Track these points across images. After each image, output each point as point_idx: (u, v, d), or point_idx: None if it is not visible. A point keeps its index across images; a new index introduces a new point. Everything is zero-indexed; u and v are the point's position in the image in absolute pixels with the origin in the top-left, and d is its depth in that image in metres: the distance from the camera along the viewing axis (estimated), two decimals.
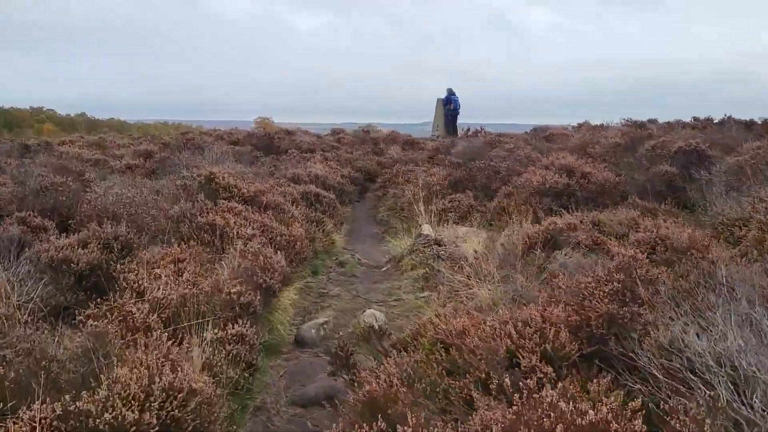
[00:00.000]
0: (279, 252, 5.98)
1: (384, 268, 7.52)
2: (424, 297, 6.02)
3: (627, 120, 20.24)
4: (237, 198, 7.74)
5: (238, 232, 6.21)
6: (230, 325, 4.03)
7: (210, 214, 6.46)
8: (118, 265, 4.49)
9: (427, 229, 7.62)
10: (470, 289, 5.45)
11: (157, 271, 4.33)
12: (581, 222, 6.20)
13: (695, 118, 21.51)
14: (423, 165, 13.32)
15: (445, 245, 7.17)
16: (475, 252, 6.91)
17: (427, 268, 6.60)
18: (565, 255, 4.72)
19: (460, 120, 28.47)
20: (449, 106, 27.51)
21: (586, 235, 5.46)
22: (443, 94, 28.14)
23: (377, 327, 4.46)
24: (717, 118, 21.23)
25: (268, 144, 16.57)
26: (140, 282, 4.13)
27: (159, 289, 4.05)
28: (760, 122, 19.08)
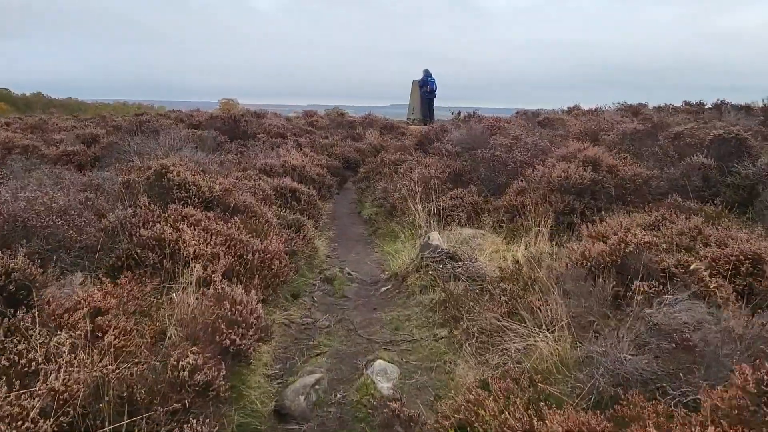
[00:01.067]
0: (253, 282, 4.43)
1: (383, 288, 6.01)
2: (444, 336, 4.54)
3: (622, 104, 19.08)
4: (196, 199, 6.11)
5: (195, 251, 4.62)
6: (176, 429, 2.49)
7: (158, 224, 4.84)
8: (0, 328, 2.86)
9: (435, 238, 6.13)
10: (509, 331, 4.00)
11: (61, 336, 2.73)
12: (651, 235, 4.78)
13: (687, 102, 20.50)
14: (412, 153, 11.81)
15: (461, 260, 5.70)
16: (502, 270, 5.47)
17: (442, 293, 5.12)
18: (670, 304, 3.29)
19: (436, 103, 27.10)
20: (425, 88, 26.09)
21: (673, 261, 4.05)
22: (419, 76, 26.66)
23: (401, 410, 2.98)
24: (709, 102, 20.30)
25: (233, 128, 14.81)
26: (29, 361, 2.54)
27: (57, 372, 2.47)
28: (760, 106, 18.15)
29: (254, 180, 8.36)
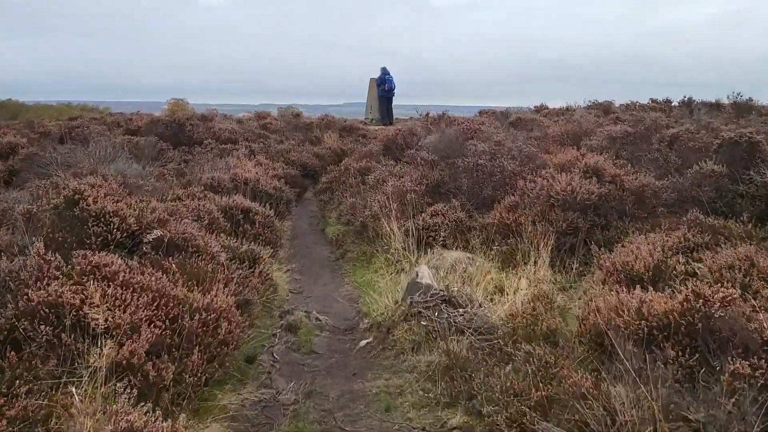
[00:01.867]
0: (191, 358, 3.15)
1: (363, 341, 4.78)
2: (457, 428, 3.37)
3: (593, 101, 18.37)
4: (119, 234, 4.77)
5: (108, 320, 3.31)
6: None
7: (56, 282, 3.51)
8: None
9: (425, 275, 4.94)
10: None
11: None
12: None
13: (653, 100, 19.98)
14: (380, 159, 10.61)
15: (461, 305, 4.54)
16: (513, 319, 4.34)
17: (443, 355, 3.94)
18: None
19: (393, 101, 26.03)
20: (383, 87, 25.00)
21: None
22: (376, 74, 25.56)
23: None
24: (676, 99, 19.82)
25: (177, 133, 13.29)
26: None
27: None
28: (727, 103, 17.72)
29: (198, 199, 7.01)
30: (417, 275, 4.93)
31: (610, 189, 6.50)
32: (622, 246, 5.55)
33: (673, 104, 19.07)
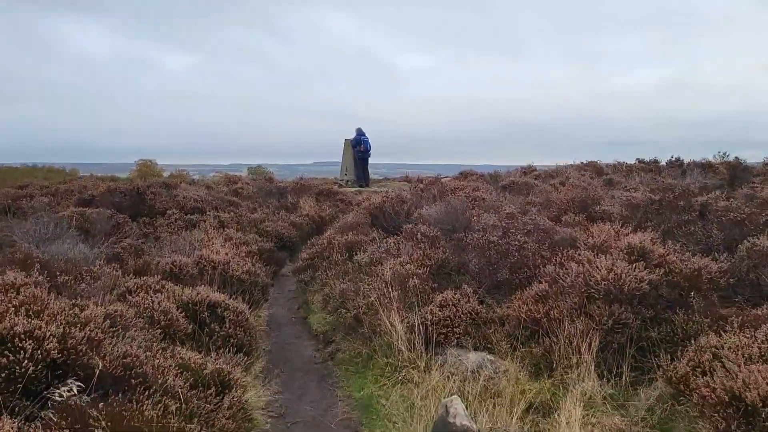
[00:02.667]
0: None
1: None
2: None
3: (586, 162, 17.65)
4: (34, 363, 3.38)
5: None
6: None
7: None
8: None
9: (459, 410, 3.62)
10: None
11: None
12: None
13: (640, 160, 19.43)
14: (368, 232, 9.37)
15: None
16: None
17: None
18: None
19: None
20: (359, 148, 24.22)
21: None
22: (350, 135, 24.83)
23: None
24: (663, 160, 19.29)
25: (137, 203, 11.90)
26: None
27: None
28: (717, 163, 17.18)
29: (155, 293, 5.62)
30: (447, 411, 3.62)
31: (659, 275, 5.35)
32: (695, 353, 4.36)
33: (660, 164, 18.52)
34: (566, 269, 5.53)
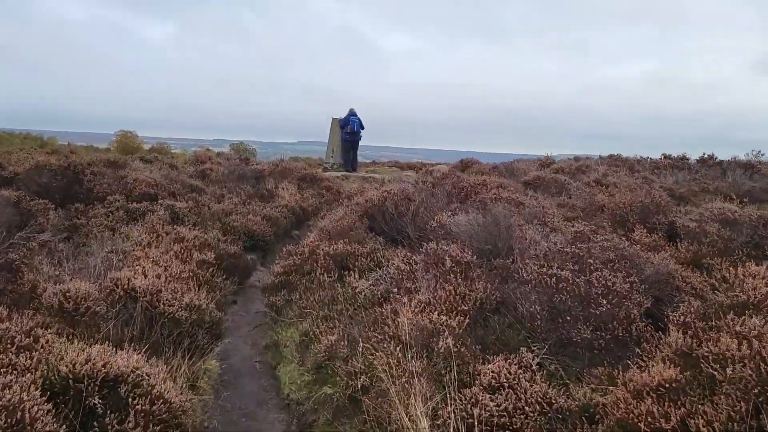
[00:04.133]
0: None
1: None
2: None
3: (612, 156, 15.45)
4: None
5: None
6: None
7: None
8: None
9: None
10: None
11: None
12: None
13: (666, 156, 17.29)
14: (365, 239, 7.02)
15: None
16: None
17: None
18: None
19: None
20: (346, 129, 21.79)
21: None
22: (338, 114, 22.41)
23: None
24: (693, 157, 17.17)
25: (72, 183, 9.43)
26: None
27: None
28: (756, 162, 15.09)
29: (18, 353, 3.27)
30: None
31: None
32: None
33: (689, 161, 16.40)
34: (709, 341, 3.27)
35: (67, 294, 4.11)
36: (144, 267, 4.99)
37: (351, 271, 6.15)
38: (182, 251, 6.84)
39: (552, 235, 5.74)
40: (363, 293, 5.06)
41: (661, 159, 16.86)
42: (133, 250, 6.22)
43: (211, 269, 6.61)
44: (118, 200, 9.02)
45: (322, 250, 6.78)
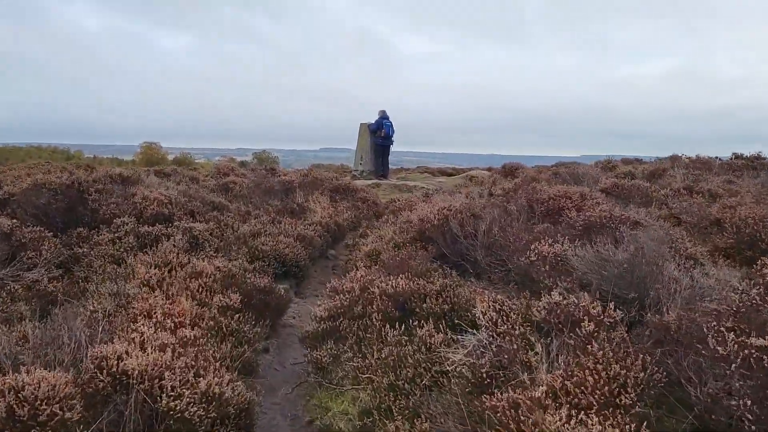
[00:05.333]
0: None
1: None
2: None
3: (699, 156, 13.75)
4: None
5: None
6: None
7: None
8: None
9: None
10: None
11: None
12: None
13: (738, 155, 15.48)
14: (429, 273, 5.50)
15: None
16: None
17: None
18: None
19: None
20: (379, 134, 20.38)
21: None
22: (369, 119, 21.03)
23: None
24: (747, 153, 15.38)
25: (75, 205, 8.11)
26: None
27: None
28: None
29: None
30: None
31: None
32: None
33: (766, 160, 14.59)
34: None
35: (21, 394, 2.68)
36: (143, 334, 3.54)
37: (418, 318, 4.65)
38: (200, 290, 5.42)
39: (696, 271, 4.15)
40: (456, 367, 3.52)
41: (732, 159, 15.06)
42: (138, 294, 4.81)
43: (238, 315, 5.16)
44: (127, 223, 7.66)
45: (378, 287, 5.28)
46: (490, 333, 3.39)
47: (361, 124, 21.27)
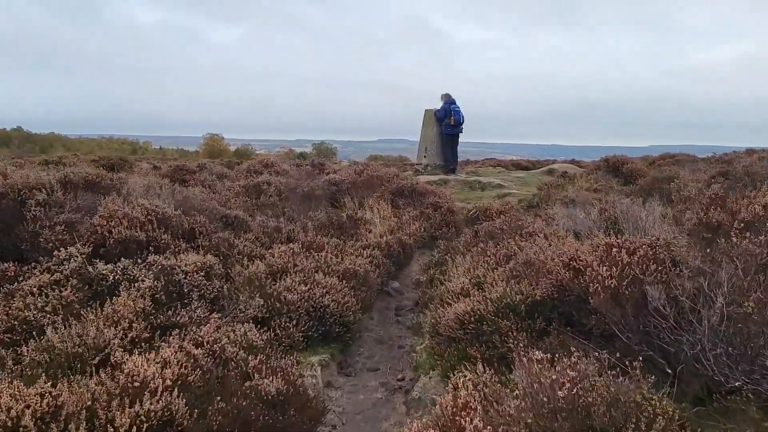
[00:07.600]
0: None
1: None
2: None
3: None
4: None
5: None
6: None
7: None
8: None
9: None
10: None
11: None
12: None
13: None
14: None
15: None
16: None
17: None
18: None
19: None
20: (447, 121, 17.08)
21: None
22: (433, 104, 17.83)
23: None
24: None
25: (7, 226, 5.32)
26: None
27: None
28: None
29: None
30: None
31: None
32: None
33: None
34: None
35: None
36: None
37: None
38: None
39: None
40: None
41: None
42: None
43: None
44: (76, 255, 4.78)
45: None
46: None
47: (426, 110, 18.05)
